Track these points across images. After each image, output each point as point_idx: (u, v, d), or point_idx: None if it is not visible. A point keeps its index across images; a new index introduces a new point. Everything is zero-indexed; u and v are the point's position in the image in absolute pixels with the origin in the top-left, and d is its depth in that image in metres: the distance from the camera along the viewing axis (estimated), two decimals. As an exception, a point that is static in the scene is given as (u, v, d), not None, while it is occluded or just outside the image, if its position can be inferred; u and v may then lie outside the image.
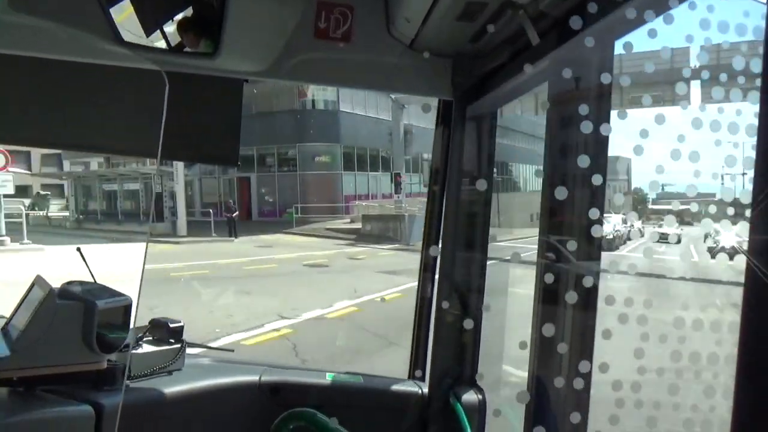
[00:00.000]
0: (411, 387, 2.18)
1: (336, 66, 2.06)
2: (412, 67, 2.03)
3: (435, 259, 2.27)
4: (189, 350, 2.11)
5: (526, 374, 1.49)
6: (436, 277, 2.19)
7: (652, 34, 1.09)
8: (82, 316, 1.68)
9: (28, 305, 1.73)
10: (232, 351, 2.37)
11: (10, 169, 19.74)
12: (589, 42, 1.27)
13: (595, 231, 1.22)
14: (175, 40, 2.14)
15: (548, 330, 1.30)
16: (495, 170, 2.17)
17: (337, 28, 1.97)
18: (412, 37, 1.92)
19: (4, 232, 20.07)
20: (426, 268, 2.30)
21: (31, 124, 1.92)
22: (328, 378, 2.19)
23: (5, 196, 20.45)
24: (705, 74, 1.04)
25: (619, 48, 1.23)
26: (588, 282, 1.25)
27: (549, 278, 1.33)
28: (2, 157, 19.54)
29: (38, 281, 1.80)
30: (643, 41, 1.16)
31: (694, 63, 1.04)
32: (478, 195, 2.08)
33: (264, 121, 26.39)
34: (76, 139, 2.08)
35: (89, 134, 2.01)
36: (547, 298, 1.35)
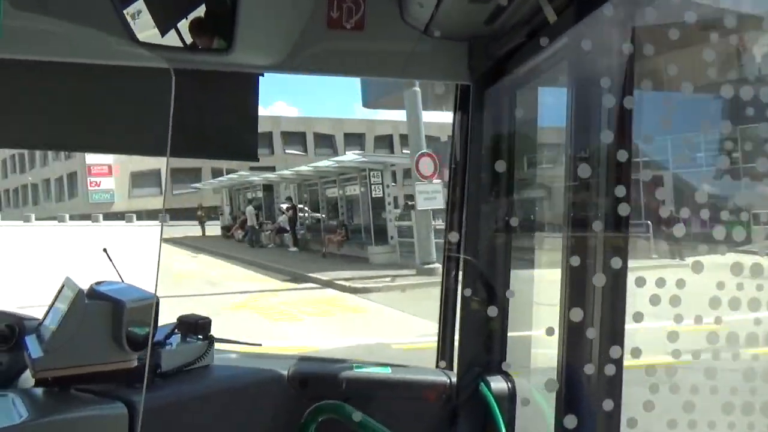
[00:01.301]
0: (439, 376, 2.17)
1: (350, 55, 2.05)
2: (428, 52, 2.00)
3: (459, 247, 2.25)
4: (217, 345, 2.13)
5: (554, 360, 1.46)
6: (461, 264, 2.17)
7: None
8: (111, 315, 1.71)
9: (59, 307, 1.77)
10: (260, 345, 2.38)
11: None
12: (608, 16, 1.22)
13: (622, 210, 1.18)
14: (188, 37, 2.14)
15: (577, 315, 1.27)
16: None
17: (350, 17, 1.95)
18: (426, 21, 1.89)
19: (434, 258, 14.13)
20: (450, 257, 2.28)
21: (49, 127, 1.95)
22: (356, 369, 2.19)
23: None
24: None
25: (639, 20, 1.19)
26: (617, 264, 1.22)
27: (576, 261, 1.29)
28: (431, 162, 13.75)
29: (67, 283, 1.83)
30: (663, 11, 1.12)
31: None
32: (501, 180, 2.04)
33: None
34: (95, 141, 2.11)
35: (107, 135, 2.03)
36: (575, 281, 1.32)
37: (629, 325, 1.25)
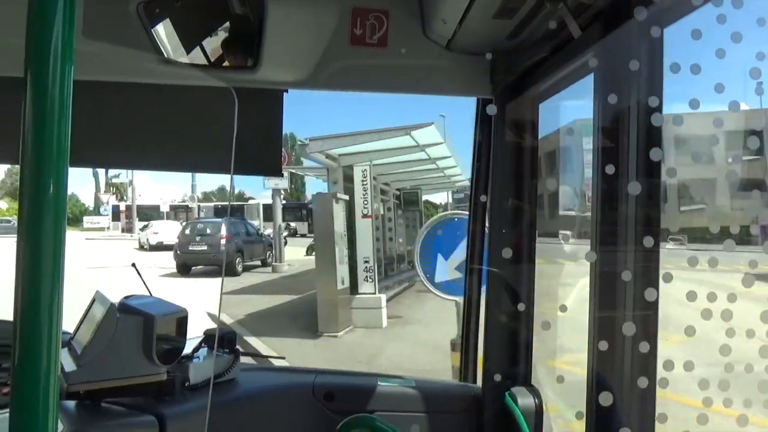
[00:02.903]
0: (464, 390, 2.17)
1: (373, 72, 2.07)
2: (450, 67, 2.02)
3: (482, 260, 2.25)
4: (243, 359, 2.15)
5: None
6: (484, 277, 2.18)
7: (702, 20, 1.06)
8: (142, 329, 1.73)
9: (90, 321, 1.80)
10: (284, 358, 2.40)
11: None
12: (635, 31, 1.24)
13: (653, 226, 1.18)
14: (215, 55, 2.19)
15: (607, 332, 1.27)
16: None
17: (372, 34, 1.98)
18: (448, 37, 1.91)
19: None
20: (473, 269, 2.28)
21: (97, 147, 2.00)
22: (380, 383, 2.19)
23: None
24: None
25: (667, 35, 1.20)
26: (648, 281, 1.21)
27: (605, 278, 1.29)
28: None
29: (98, 297, 1.86)
30: (691, 28, 1.13)
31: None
32: (524, 194, 2.05)
33: None
34: (125, 158, 2.15)
35: (136, 152, 2.07)
36: (604, 298, 1.32)
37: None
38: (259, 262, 22.06)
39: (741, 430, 1.08)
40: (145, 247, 30.65)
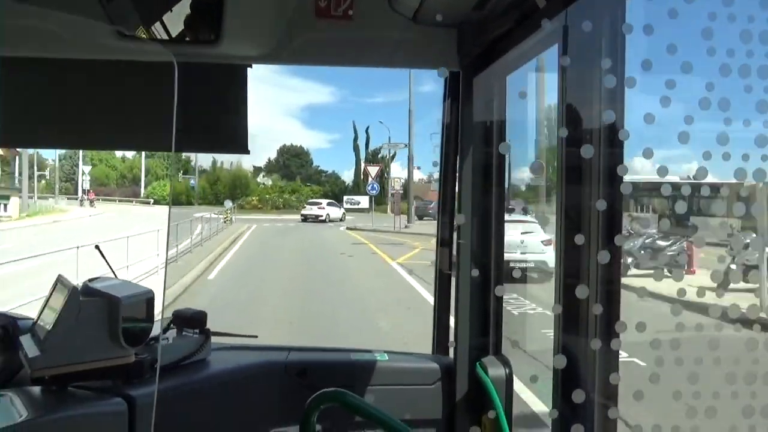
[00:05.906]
0: (436, 361, 2.19)
1: (339, 45, 2.04)
2: (416, 40, 1.99)
3: (451, 231, 2.26)
4: (213, 338, 2.13)
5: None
6: (454, 249, 2.19)
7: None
8: (107, 311, 1.69)
9: (53, 305, 1.75)
10: (256, 336, 2.38)
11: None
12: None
13: (616, 190, 1.20)
14: (176, 29, 2.12)
15: (572, 296, 1.29)
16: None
17: (338, 6, 1.94)
18: (414, 9, 1.88)
19: None
20: (443, 241, 2.29)
21: (42, 125, 1.93)
22: (353, 357, 2.20)
23: None
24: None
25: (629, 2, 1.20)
26: (611, 241, 1.23)
27: (570, 242, 1.31)
28: None
29: (61, 280, 1.81)
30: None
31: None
32: (493, 166, 2.05)
33: None
34: (88, 138, 2.08)
35: (99, 132, 2.01)
36: (569, 262, 1.34)
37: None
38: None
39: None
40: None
